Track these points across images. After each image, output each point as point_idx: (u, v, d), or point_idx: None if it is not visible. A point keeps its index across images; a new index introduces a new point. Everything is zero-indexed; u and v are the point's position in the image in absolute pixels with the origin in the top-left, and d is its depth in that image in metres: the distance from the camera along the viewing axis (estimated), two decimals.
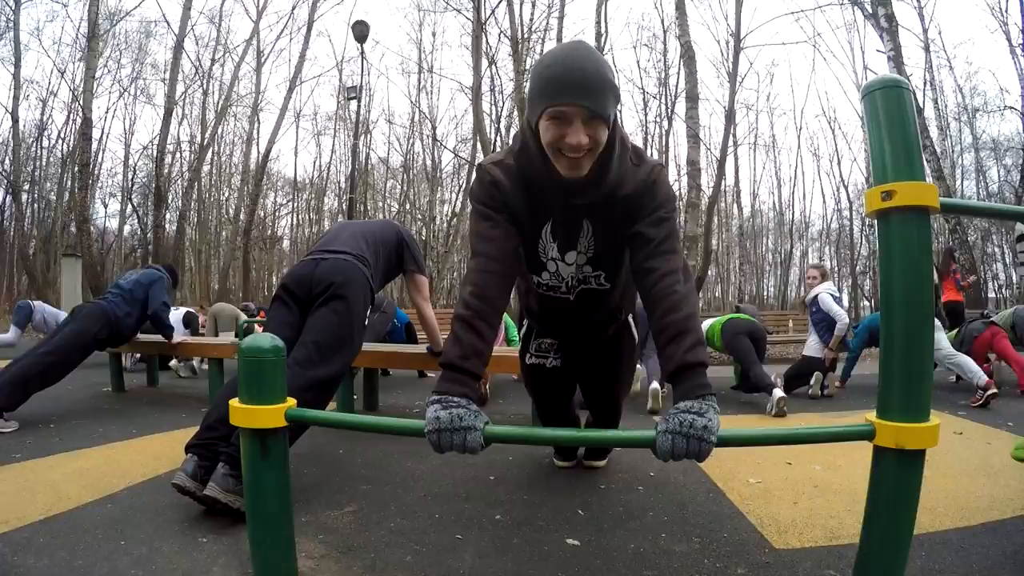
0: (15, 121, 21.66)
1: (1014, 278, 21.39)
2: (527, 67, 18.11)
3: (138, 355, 7.03)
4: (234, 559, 2.02)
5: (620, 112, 1.82)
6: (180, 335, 5.82)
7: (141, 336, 5.78)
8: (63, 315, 6.74)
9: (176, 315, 7.39)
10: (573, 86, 1.57)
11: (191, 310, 8.33)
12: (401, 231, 3.58)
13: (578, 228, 1.98)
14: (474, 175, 2.01)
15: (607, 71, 1.61)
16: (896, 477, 1.48)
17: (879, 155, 1.50)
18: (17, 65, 21.55)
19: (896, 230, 1.47)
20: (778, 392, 4.86)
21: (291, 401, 1.68)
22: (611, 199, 1.86)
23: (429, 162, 25.92)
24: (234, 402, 1.65)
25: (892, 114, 1.48)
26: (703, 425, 1.44)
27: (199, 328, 8.17)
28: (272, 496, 1.67)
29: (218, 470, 2.31)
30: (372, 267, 3.11)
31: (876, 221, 1.52)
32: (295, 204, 31.02)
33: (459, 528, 2.32)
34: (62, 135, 24.78)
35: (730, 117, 18.04)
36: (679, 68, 18.96)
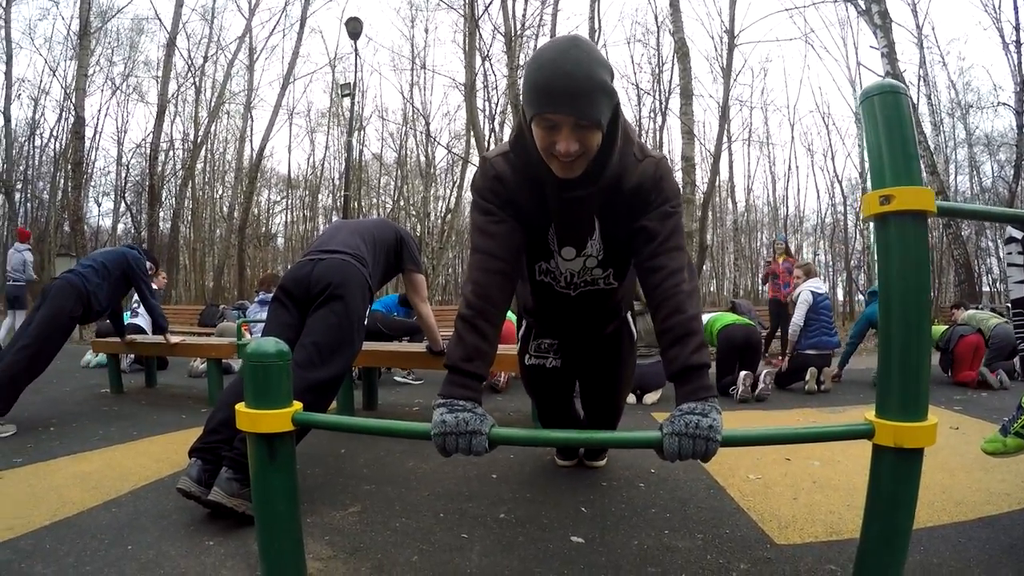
0: (7, 120, 21.60)
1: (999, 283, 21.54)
2: (521, 63, 18.11)
3: (132, 356, 6.98)
4: (242, 562, 2.03)
5: (619, 107, 1.75)
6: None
7: (138, 338, 5.80)
8: None
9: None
10: (561, 94, 1.53)
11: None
12: (398, 230, 3.58)
13: (587, 227, 1.98)
14: (477, 167, 1.99)
15: (599, 72, 1.56)
16: (895, 475, 1.50)
17: (877, 160, 1.52)
18: (9, 63, 21.48)
19: (894, 233, 1.49)
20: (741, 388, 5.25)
21: (297, 405, 1.68)
22: (615, 194, 1.85)
23: (423, 158, 25.89)
24: (240, 407, 1.66)
25: (890, 119, 1.51)
26: (708, 425, 1.47)
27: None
28: (281, 499, 1.68)
29: (222, 474, 2.31)
30: (370, 267, 3.10)
31: (874, 224, 1.55)
32: (289, 201, 30.98)
33: (464, 527, 2.34)
34: (54, 133, 24.71)
35: (724, 113, 18.10)
36: (673, 64, 19.01)
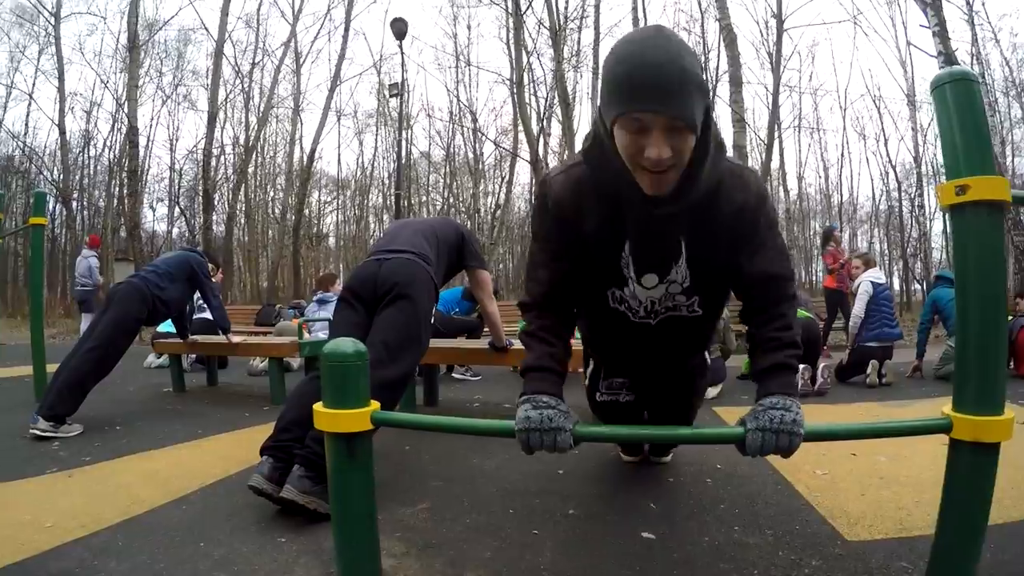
0: (62, 132, 22.37)
1: None
2: (566, 55, 18.06)
3: (194, 356, 7.14)
4: (315, 559, 2.05)
5: (713, 109, 1.67)
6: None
7: (199, 338, 5.95)
8: None
9: None
10: (651, 89, 1.31)
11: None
12: (460, 227, 3.60)
13: (673, 251, 1.77)
14: (537, 191, 1.83)
15: (693, 65, 1.35)
16: (972, 470, 1.49)
17: (951, 149, 1.50)
18: (61, 79, 22.21)
19: (971, 224, 1.48)
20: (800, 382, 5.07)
21: (375, 404, 1.70)
22: (707, 212, 1.66)
23: (471, 155, 25.99)
24: (318, 407, 1.68)
25: (963, 108, 1.49)
26: (792, 419, 1.48)
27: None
28: (358, 498, 1.70)
29: (294, 472, 2.34)
30: (434, 265, 3.13)
31: (950, 215, 1.53)
32: (339, 201, 31.37)
33: (535, 523, 2.35)
34: (108, 143, 25.54)
35: (775, 99, 17.83)
36: (719, 51, 18.78)
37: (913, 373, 6.14)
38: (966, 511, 1.51)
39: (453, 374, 6.74)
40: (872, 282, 6.04)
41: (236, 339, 5.61)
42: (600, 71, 1.50)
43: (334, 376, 1.66)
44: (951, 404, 1.53)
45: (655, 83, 1.31)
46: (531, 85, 20.63)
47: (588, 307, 2.01)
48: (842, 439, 1.67)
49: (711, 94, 1.46)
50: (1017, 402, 4.53)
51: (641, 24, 19.88)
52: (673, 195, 1.55)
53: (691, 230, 1.71)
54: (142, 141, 22.31)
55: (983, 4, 22.38)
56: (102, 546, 2.17)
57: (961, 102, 1.49)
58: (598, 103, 1.54)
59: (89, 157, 25.85)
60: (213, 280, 5.59)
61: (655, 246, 1.77)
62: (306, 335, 6.10)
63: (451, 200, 27.10)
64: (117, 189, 24.68)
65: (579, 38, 21.28)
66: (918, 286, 23.69)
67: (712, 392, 5.07)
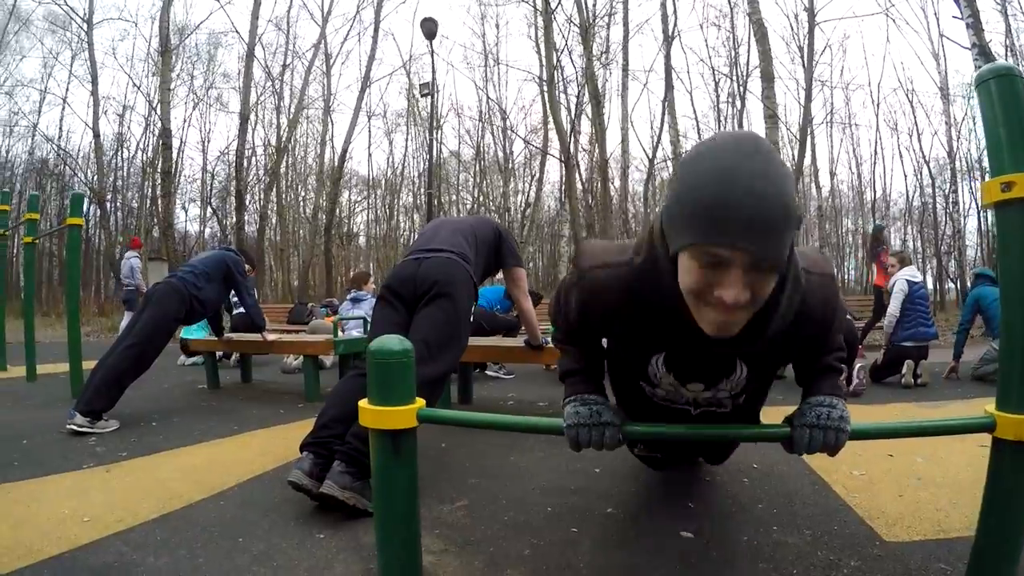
0: (96, 135, 22.73)
1: None
2: (595, 53, 18.00)
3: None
4: (354, 555, 2.06)
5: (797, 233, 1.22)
6: None
7: (235, 336, 6.03)
8: None
9: None
10: (742, 224, 1.08)
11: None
12: (498, 226, 3.62)
13: (727, 368, 1.59)
14: (575, 278, 1.58)
15: (789, 192, 1.12)
16: (1015, 469, 1.49)
17: (996, 146, 1.51)
18: (94, 83, 22.59)
19: (1017, 221, 1.48)
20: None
21: (420, 401, 1.71)
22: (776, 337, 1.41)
23: (500, 153, 26.05)
24: (364, 404, 1.69)
25: (1008, 104, 1.49)
26: (839, 416, 1.48)
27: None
28: (402, 494, 1.71)
29: (335, 468, 2.36)
30: (473, 264, 3.15)
31: (995, 212, 1.52)
32: (370, 201, 31.58)
33: (573, 521, 2.35)
34: (141, 145, 26.01)
35: (808, 95, 17.65)
36: (749, 46, 18.65)
37: (949, 374, 6.05)
38: (1008, 513, 1.51)
39: (487, 371, 6.77)
40: (908, 280, 5.97)
41: (271, 337, 5.68)
42: (674, 181, 1.19)
43: (380, 373, 1.67)
44: (994, 403, 1.53)
45: (752, 217, 1.08)
46: (561, 82, 20.62)
47: (622, 385, 1.89)
48: (885, 438, 1.67)
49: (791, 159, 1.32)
50: None
51: (670, 20, 19.85)
52: (739, 337, 1.30)
53: (752, 351, 1.49)
54: (175, 143, 22.67)
55: None
56: (140, 541, 2.20)
57: (1006, 97, 1.49)
58: (661, 215, 1.30)
59: (123, 159, 26.44)
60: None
61: (705, 364, 1.58)
62: (340, 333, 6.16)
63: (481, 199, 27.20)
64: (150, 190, 25.10)
65: (608, 35, 21.29)
66: (952, 285, 23.30)
67: None
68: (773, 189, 1.09)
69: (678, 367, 1.61)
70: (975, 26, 12.34)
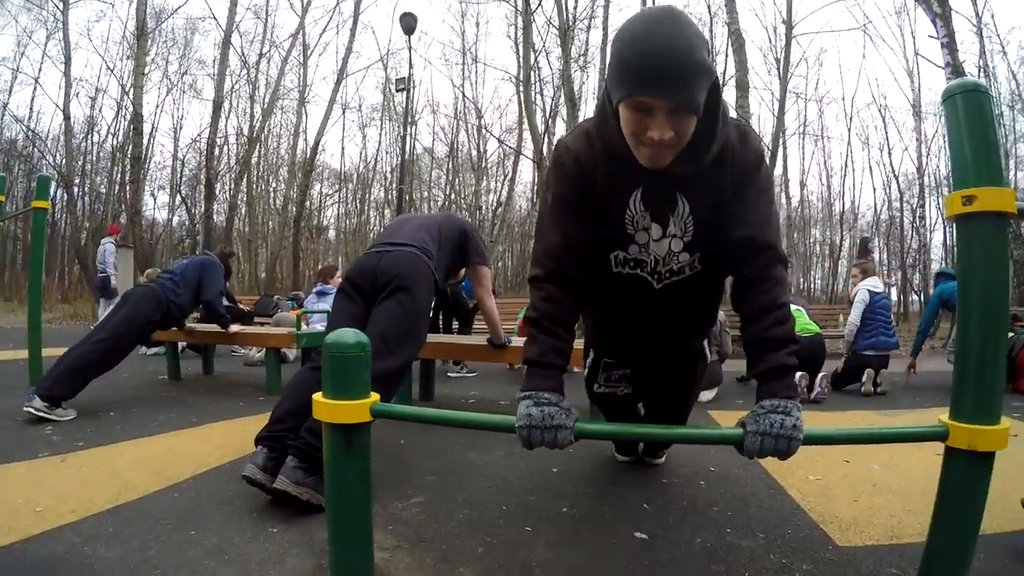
0: (66, 118, 22.26)
1: None
2: (574, 55, 18.04)
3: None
4: (307, 550, 2.05)
5: (718, 85, 1.58)
6: None
7: (198, 327, 5.95)
8: None
9: None
10: (656, 75, 1.38)
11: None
12: (464, 223, 3.62)
13: (672, 204, 1.80)
14: (552, 155, 1.88)
15: (699, 49, 1.41)
16: (967, 478, 1.51)
17: (960, 159, 1.52)
18: (67, 64, 22.15)
19: (976, 234, 1.49)
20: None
21: (374, 396, 1.70)
22: (709, 174, 1.71)
23: (474, 152, 26.02)
24: (318, 397, 1.68)
25: (973, 119, 1.50)
26: (792, 424, 1.48)
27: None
28: (354, 490, 1.70)
29: (288, 463, 2.34)
30: (435, 259, 3.14)
31: (956, 225, 1.54)
32: (341, 194, 31.40)
33: (528, 520, 2.35)
34: (112, 130, 25.52)
35: (782, 106, 17.85)
36: (726, 55, 18.80)
37: (909, 372, 6.15)
38: (959, 519, 1.53)
39: (449, 374, 6.71)
40: (869, 290, 6.05)
41: (233, 328, 5.63)
42: (609, 48, 1.74)
43: (335, 366, 1.66)
44: (948, 412, 1.54)
45: (659, 70, 1.38)
46: (537, 84, 20.66)
47: (593, 279, 1.98)
48: (839, 444, 1.67)
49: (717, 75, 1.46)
50: (1011, 415, 4.55)
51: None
52: (677, 162, 1.62)
53: (690, 187, 1.76)
54: (146, 128, 22.36)
55: (992, 16, 22.48)
56: (92, 532, 2.16)
57: (972, 113, 1.51)
58: (606, 78, 1.59)
59: (92, 143, 25.88)
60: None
61: (657, 200, 1.80)
62: (304, 326, 6.11)
63: (453, 196, 27.14)
64: (119, 176, 24.69)
65: (587, 38, 21.36)
66: (916, 297, 23.69)
67: (708, 395, 5.08)
68: (684, 45, 1.38)
69: (642, 207, 1.82)
70: (950, 46, 12.59)
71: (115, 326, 4.42)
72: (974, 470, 1.49)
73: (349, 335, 1.68)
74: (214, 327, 5.56)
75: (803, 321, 5.79)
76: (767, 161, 1.80)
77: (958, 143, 1.52)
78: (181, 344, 7.04)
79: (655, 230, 1.85)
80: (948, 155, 1.65)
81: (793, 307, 5.54)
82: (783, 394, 1.57)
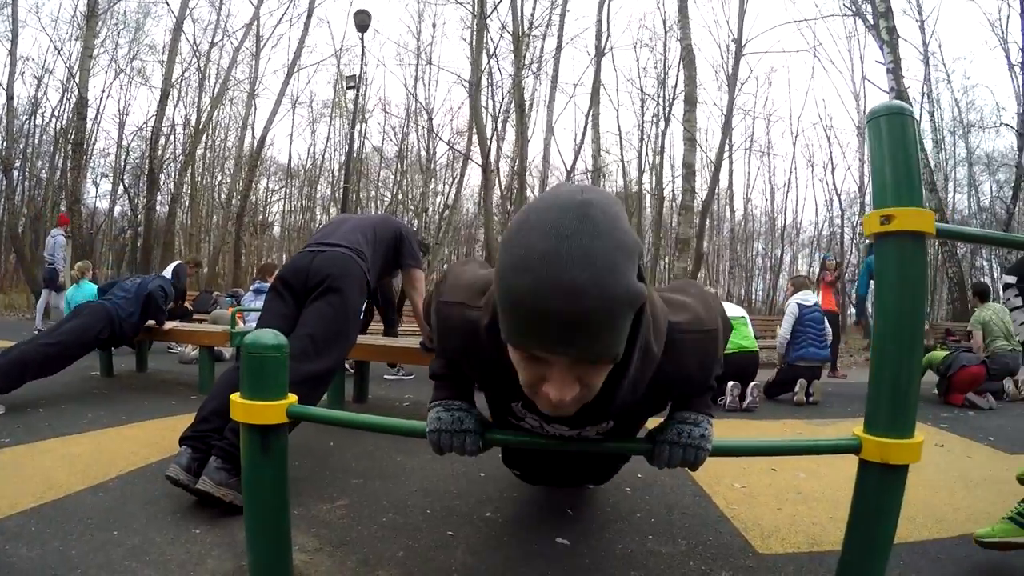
0: (9, 98, 21.43)
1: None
2: (527, 62, 18.09)
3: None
4: (228, 551, 2.03)
5: (646, 303, 1.13)
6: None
7: None
8: None
9: (167, 273, 7.60)
10: (559, 328, 0.95)
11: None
12: (399, 226, 3.60)
13: (591, 418, 1.47)
14: (438, 311, 1.51)
15: (619, 276, 0.95)
16: (879, 490, 1.53)
17: (880, 180, 1.54)
18: (14, 41, 21.30)
19: (893, 253, 1.51)
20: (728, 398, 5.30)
21: (292, 397, 1.68)
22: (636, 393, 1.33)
23: (424, 153, 25.89)
24: (235, 397, 1.65)
25: (895, 140, 1.52)
26: (700, 434, 1.48)
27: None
28: (271, 491, 1.68)
29: (211, 463, 2.32)
30: (369, 261, 3.13)
31: (874, 243, 1.57)
32: (288, 190, 30.96)
33: (451, 525, 2.35)
34: (56, 113, 24.57)
35: (728, 122, 18.16)
36: (679, 69, 19.08)
37: (857, 327, 6.34)
38: (872, 530, 1.54)
39: (385, 376, 6.65)
40: (799, 304, 6.19)
41: (168, 324, 5.53)
42: (500, 253, 1.01)
43: (252, 367, 1.64)
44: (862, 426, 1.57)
45: (569, 320, 0.94)
46: (489, 88, 20.66)
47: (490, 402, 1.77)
48: (751, 455, 1.69)
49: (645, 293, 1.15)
50: (938, 426, 4.69)
51: (604, 37, 20.07)
52: (583, 415, 1.26)
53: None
54: (91, 113, 21.66)
55: (939, 46, 23.25)
56: (15, 531, 2.12)
57: (895, 134, 1.53)
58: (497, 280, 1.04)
59: (35, 126, 24.88)
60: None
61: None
62: (240, 324, 6.00)
63: (400, 197, 26.96)
64: (61, 161, 23.87)
65: (542, 45, 21.44)
66: (853, 311, 24.22)
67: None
68: (595, 281, 0.92)
69: (532, 407, 1.47)
70: (895, 72, 13.04)
71: (65, 334, 4.39)
72: (887, 482, 1.52)
73: (268, 336, 1.66)
74: (149, 322, 5.43)
75: (743, 334, 5.80)
76: (717, 341, 1.49)
77: (880, 163, 1.55)
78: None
79: (557, 427, 1.53)
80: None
81: (737, 314, 5.60)
82: (694, 407, 1.56)
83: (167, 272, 7.71)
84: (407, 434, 1.66)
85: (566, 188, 1.04)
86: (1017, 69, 18.40)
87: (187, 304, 9.02)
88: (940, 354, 6.41)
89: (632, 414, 1.59)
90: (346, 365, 5.06)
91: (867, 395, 1.58)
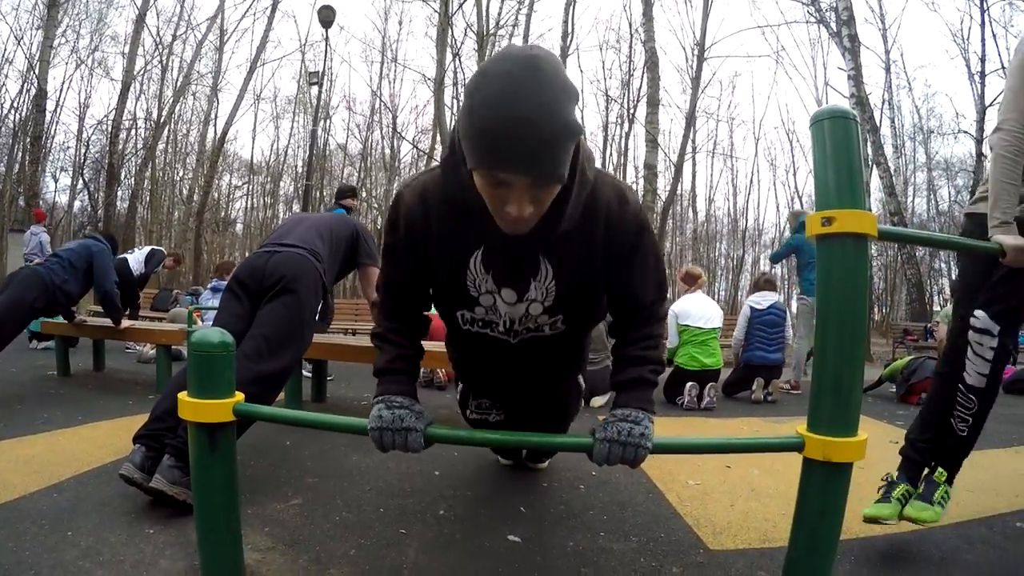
0: None
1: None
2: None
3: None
4: (181, 551, 2.02)
5: (582, 141, 1.48)
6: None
7: (89, 320, 5.72)
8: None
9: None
10: (516, 150, 1.21)
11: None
12: (356, 225, 3.60)
13: (534, 268, 1.65)
14: (393, 199, 1.72)
15: (566, 109, 1.24)
16: (823, 487, 1.56)
17: (823, 182, 1.57)
18: None
19: (835, 254, 1.54)
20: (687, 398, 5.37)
21: (239, 396, 1.69)
22: (578, 237, 1.58)
23: (388, 151, 25.77)
24: (183, 395, 1.65)
25: (838, 144, 1.55)
26: (640, 433, 1.51)
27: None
28: (219, 490, 1.68)
29: (164, 462, 2.30)
30: (325, 262, 3.12)
31: (816, 244, 1.59)
32: (250, 187, 30.61)
33: (403, 523, 2.35)
34: (15, 105, 23.98)
35: (690, 123, 18.31)
36: (643, 72, 19.19)
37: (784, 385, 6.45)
38: (818, 525, 1.57)
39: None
40: (751, 307, 6.28)
41: (125, 323, 5.42)
42: (465, 98, 1.33)
43: (199, 365, 1.64)
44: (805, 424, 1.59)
45: (521, 143, 1.20)
46: (454, 87, 20.60)
47: (446, 326, 1.98)
48: (696, 452, 1.73)
49: (582, 131, 1.33)
50: (894, 423, 4.77)
51: (569, 38, 20.09)
52: (535, 231, 1.47)
53: (556, 249, 1.61)
54: (50, 106, 21.21)
55: (901, 54, 23.77)
56: None
57: (837, 137, 1.55)
58: (458, 127, 1.37)
59: None
60: (163, 268, 5.40)
61: (513, 262, 1.64)
62: (198, 323, 5.93)
63: (364, 195, 26.80)
64: (20, 155, 23.32)
65: (510, 43, 21.35)
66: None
67: (599, 401, 5.17)
68: (546, 112, 1.19)
69: (492, 269, 1.66)
70: (856, 79, 13.28)
71: None
72: (830, 480, 1.54)
73: (214, 334, 1.66)
74: (105, 321, 5.35)
75: (709, 351, 5.74)
76: (648, 224, 1.69)
77: (822, 166, 1.57)
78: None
79: (507, 294, 1.70)
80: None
81: (709, 326, 5.64)
82: (635, 404, 1.60)
83: (140, 254, 7.49)
84: (349, 431, 1.68)
85: (517, 47, 1.29)
86: (977, 78, 18.86)
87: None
88: (902, 362, 6.52)
89: (571, 273, 1.67)
90: (304, 370, 5.01)
91: (810, 393, 1.61)
